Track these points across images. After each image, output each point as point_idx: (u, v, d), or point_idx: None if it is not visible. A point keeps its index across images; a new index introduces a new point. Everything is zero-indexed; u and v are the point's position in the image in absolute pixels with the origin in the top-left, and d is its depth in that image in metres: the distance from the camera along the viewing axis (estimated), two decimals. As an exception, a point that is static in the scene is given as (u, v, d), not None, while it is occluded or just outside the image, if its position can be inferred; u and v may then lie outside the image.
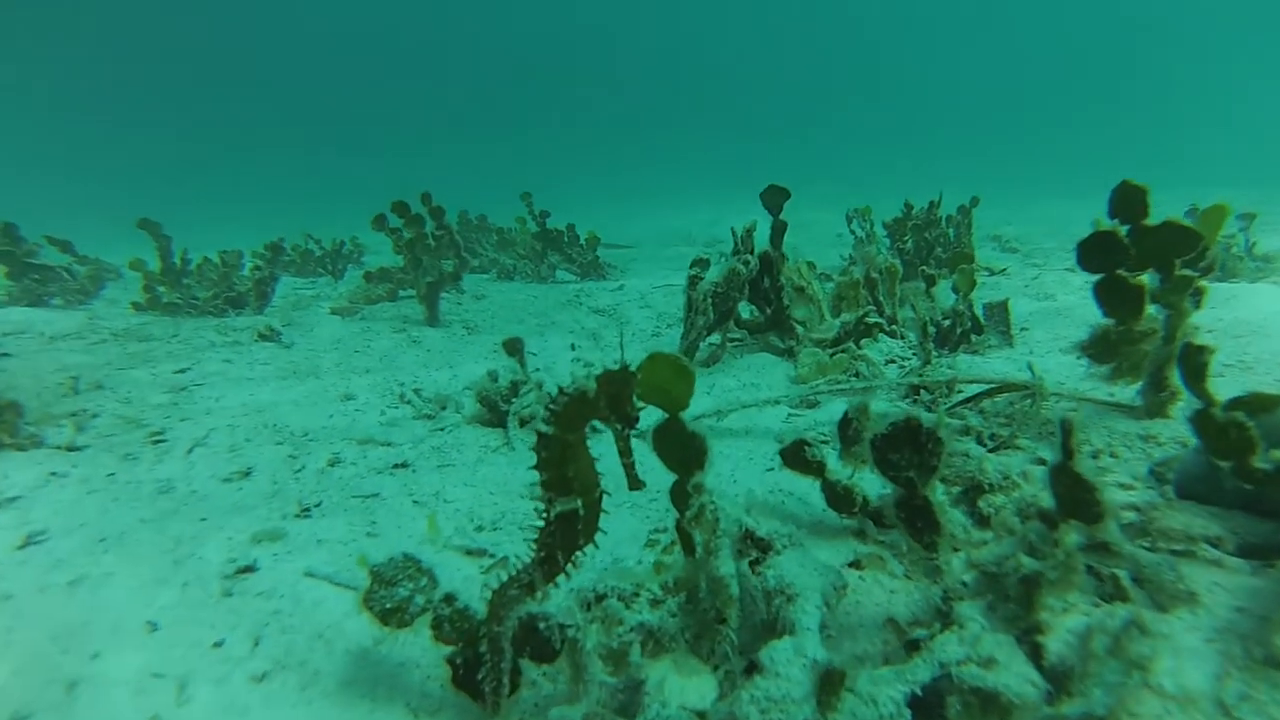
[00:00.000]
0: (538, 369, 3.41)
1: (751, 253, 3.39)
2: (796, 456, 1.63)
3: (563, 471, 1.09)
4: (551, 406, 1.06)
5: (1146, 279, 2.03)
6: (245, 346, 3.87)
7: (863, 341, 3.34)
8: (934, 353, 3.08)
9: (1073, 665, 1.12)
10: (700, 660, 1.26)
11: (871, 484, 1.57)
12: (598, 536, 1.14)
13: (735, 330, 3.60)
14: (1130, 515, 1.57)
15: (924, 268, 3.87)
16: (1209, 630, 1.22)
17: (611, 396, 1.09)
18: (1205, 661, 1.15)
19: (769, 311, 3.54)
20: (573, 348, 3.92)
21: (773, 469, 2.12)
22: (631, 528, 1.82)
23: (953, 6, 61.57)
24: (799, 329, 3.45)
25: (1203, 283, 2.17)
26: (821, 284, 3.71)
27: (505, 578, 1.16)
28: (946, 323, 3.31)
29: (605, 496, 1.16)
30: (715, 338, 3.45)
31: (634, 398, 1.10)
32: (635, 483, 1.19)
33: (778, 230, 3.54)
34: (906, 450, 1.20)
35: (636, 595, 1.32)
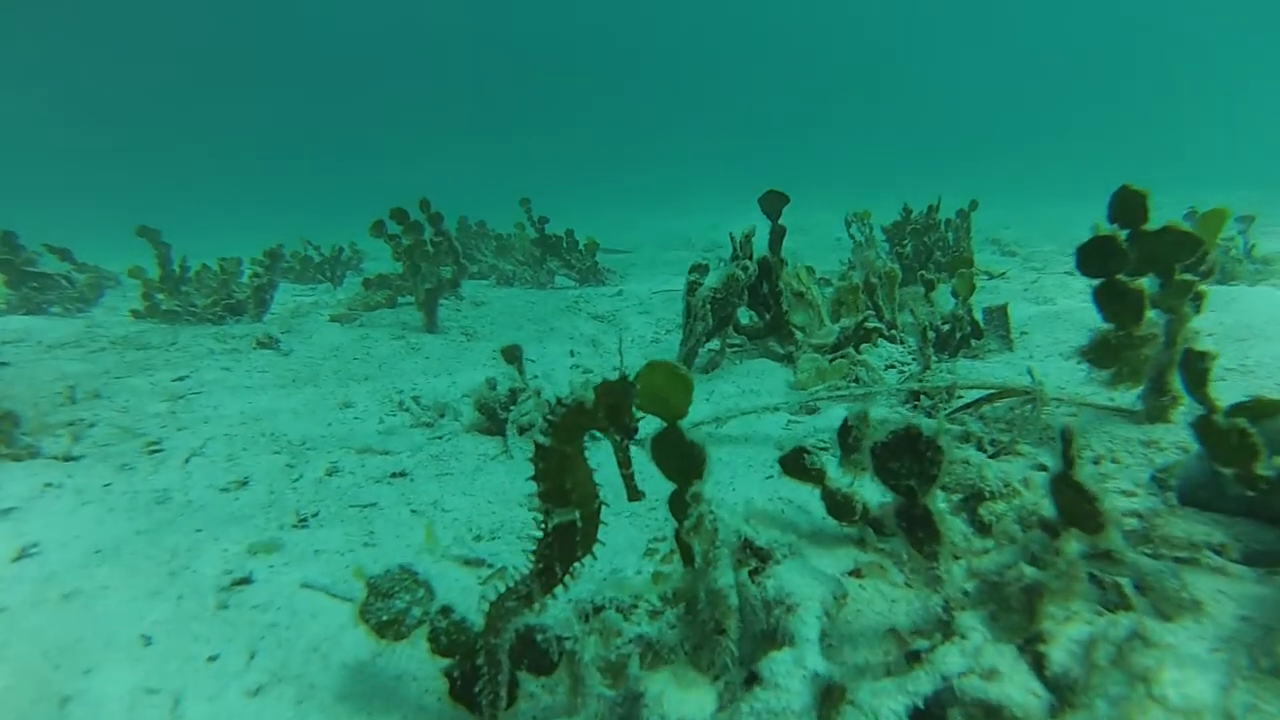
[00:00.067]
0: (536, 376, 3.40)
1: (750, 258, 3.38)
2: (796, 464, 1.61)
3: (560, 483, 1.08)
4: (549, 417, 1.05)
5: (1146, 283, 2.02)
6: (244, 354, 3.86)
7: (862, 347, 3.33)
8: (934, 358, 3.07)
9: (1076, 676, 1.10)
10: (699, 672, 1.25)
11: (872, 491, 1.56)
12: (596, 546, 1.13)
13: (734, 336, 3.60)
14: (1132, 522, 1.55)
15: (923, 272, 3.86)
16: (1214, 639, 1.21)
17: (610, 407, 1.08)
18: (1211, 672, 1.13)
19: (768, 317, 3.53)
20: (572, 354, 3.92)
21: (772, 476, 2.11)
22: (630, 536, 1.81)
23: (951, 9, 61.79)
24: (798, 334, 3.44)
25: (1203, 286, 2.16)
26: (821, 289, 3.71)
27: (503, 589, 1.15)
28: (946, 327, 3.30)
29: (604, 507, 1.15)
30: (714, 344, 3.44)
31: (633, 408, 1.10)
32: (634, 494, 1.18)
33: (776, 235, 3.53)
34: (906, 459, 1.19)
35: (635, 606, 1.31)
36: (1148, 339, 2.09)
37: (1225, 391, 2.23)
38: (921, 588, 1.42)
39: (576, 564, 1.14)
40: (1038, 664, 1.14)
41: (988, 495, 1.62)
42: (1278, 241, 5.81)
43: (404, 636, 1.23)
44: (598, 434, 1.60)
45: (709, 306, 3.24)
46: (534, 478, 1.07)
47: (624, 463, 1.15)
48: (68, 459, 2.34)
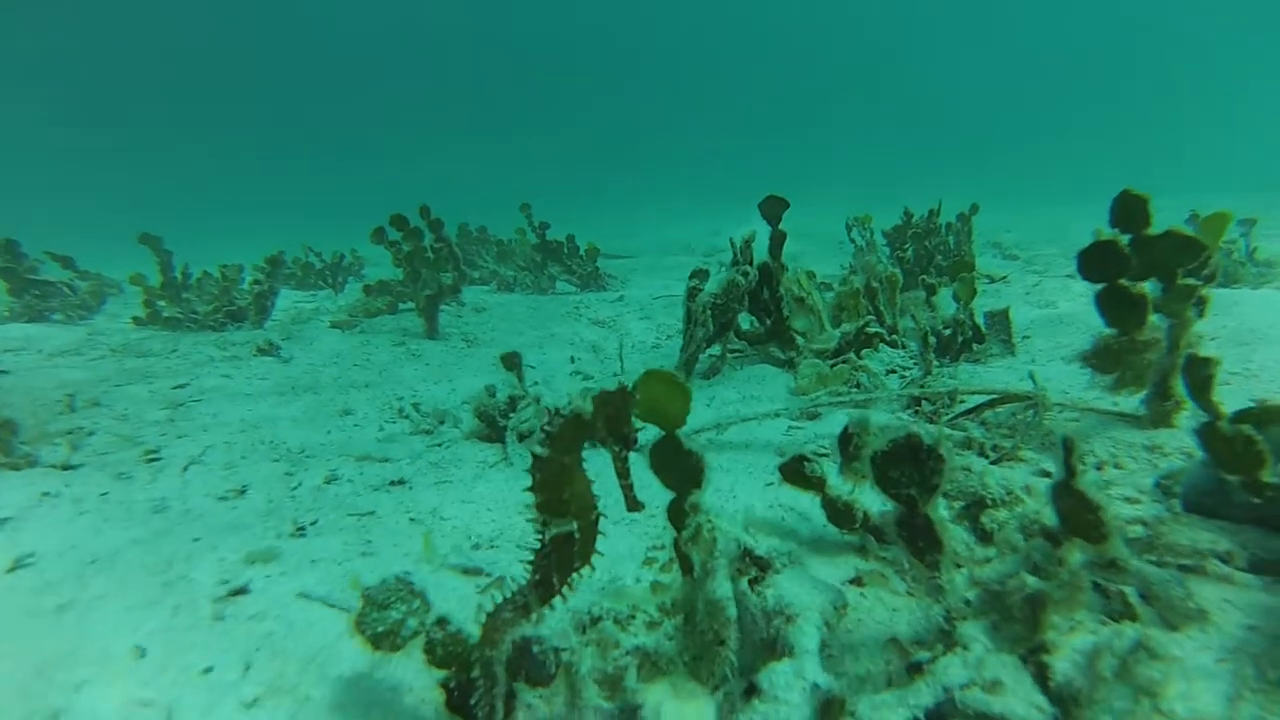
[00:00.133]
0: (536, 382, 3.40)
1: (750, 263, 3.37)
2: (796, 472, 1.60)
3: (558, 493, 1.07)
4: (546, 428, 1.04)
5: (1148, 288, 2.01)
6: (244, 361, 3.86)
7: (863, 352, 3.32)
8: (935, 362, 3.06)
9: (1080, 687, 1.09)
10: (698, 683, 1.23)
11: (873, 499, 1.55)
12: (594, 556, 1.12)
13: (735, 342, 3.59)
14: (1137, 529, 1.54)
15: (924, 276, 3.85)
16: (1220, 650, 1.19)
17: (608, 418, 1.07)
18: (1217, 683, 1.12)
19: (769, 322, 3.52)
20: (572, 360, 3.91)
21: (773, 483, 2.10)
22: (630, 544, 1.80)
23: (951, 10, 61.89)
24: (799, 340, 3.43)
25: (1206, 290, 2.14)
26: (822, 294, 3.70)
27: (500, 598, 1.14)
28: (948, 332, 3.29)
29: (602, 516, 1.14)
30: (715, 349, 3.43)
31: (632, 418, 1.09)
32: (633, 504, 1.17)
33: (777, 241, 3.52)
34: (907, 467, 1.17)
35: (633, 617, 1.29)
36: (1150, 344, 2.08)
37: (1229, 396, 2.21)
38: (923, 597, 1.40)
39: (574, 575, 1.13)
40: (1041, 675, 1.13)
41: (990, 503, 1.61)
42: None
43: (399, 648, 1.22)
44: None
45: (709, 312, 3.24)
46: (531, 488, 1.06)
47: (623, 473, 1.14)
48: (66, 468, 2.33)
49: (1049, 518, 1.21)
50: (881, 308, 3.68)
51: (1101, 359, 2.14)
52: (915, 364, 3.23)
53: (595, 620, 1.28)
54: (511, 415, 2.64)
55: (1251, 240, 5.02)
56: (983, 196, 6.00)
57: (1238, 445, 1.33)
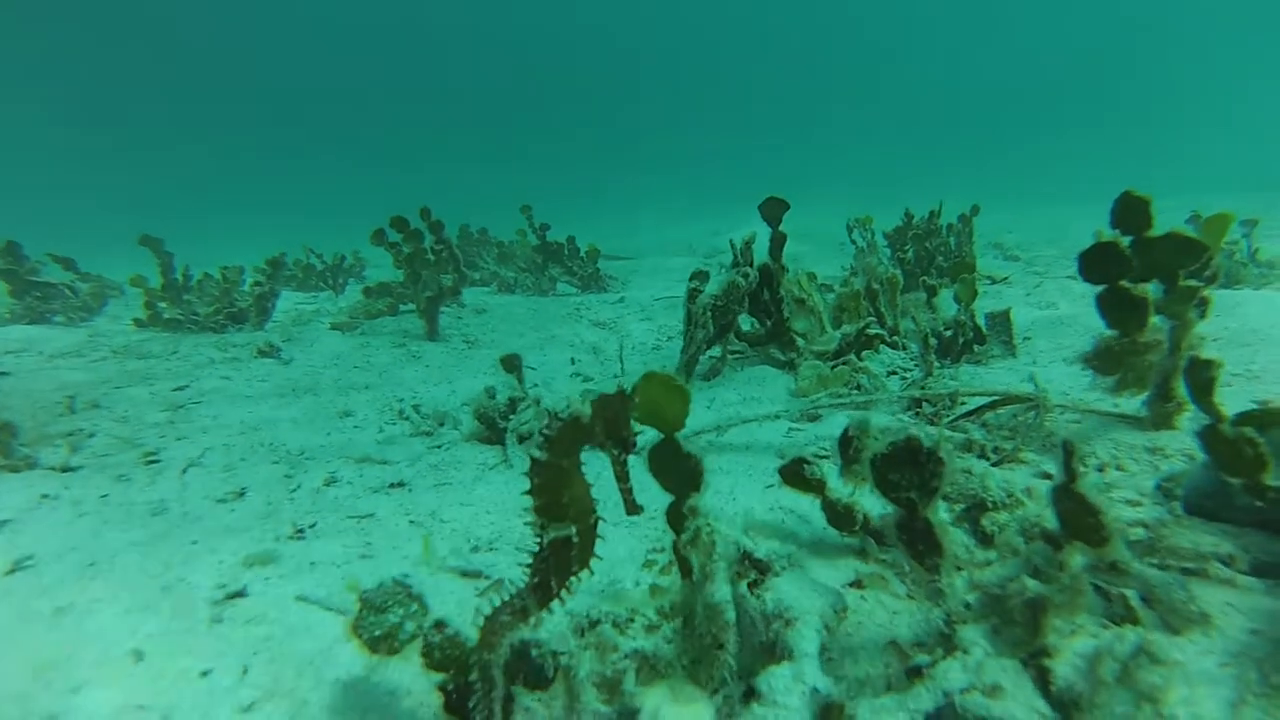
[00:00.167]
0: (536, 384, 3.39)
1: (751, 265, 3.37)
2: (796, 475, 1.60)
3: (556, 498, 1.07)
4: (545, 432, 1.04)
5: (1150, 289, 2.00)
6: (244, 363, 3.86)
7: (864, 353, 3.31)
8: (936, 364, 3.05)
9: (1081, 692, 1.08)
10: (697, 687, 1.23)
11: (873, 502, 1.54)
12: (594, 558, 1.12)
13: (736, 343, 3.58)
14: (1138, 532, 1.53)
15: (925, 278, 3.85)
16: (1223, 654, 1.18)
17: (607, 421, 1.06)
18: (1220, 688, 1.11)
19: (769, 324, 3.52)
20: (573, 361, 3.90)
21: (773, 485, 2.09)
22: (629, 546, 1.79)
23: (952, 10, 61.86)
24: (799, 341, 3.42)
25: (1207, 292, 2.14)
26: (822, 295, 3.69)
27: (499, 601, 1.14)
28: (948, 333, 3.28)
29: (602, 518, 1.13)
30: (716, 351, 3.43)
31: (631, 422, 1.08)
32: (632, 508, 1.16)
33: (777, 242, 3.52)
34: (906, 470, 1.17)
35: (631, 620, 1.29)
36: (1152, 345, 2.07)
37: (1231, 397, 2.21)
38: (923, 600, 1.40)
39: (573, 578, 1.12)
40: (1042, 679, 1.12)
41: (990, 505, 1.60)
42: (1283, 245, 5.77)
43: (397, 651, 1.21)
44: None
45: (710, 314, 3.23)
46: (530, 492, 1.06)
47: (622, 477, 1.14)
48: (66, 470, 2.33)
49: (1050, 521, 1.21)
50: (882, 309, 3.67)
51: (1103, 361, 2.14)
52: (916, 365, 3.23)
53: (594, 623, 1.27)
54: (511, 417, 2.63)
55: (1253, 241, 5.01)
56: (982, 196, 5.99)
57: (1240, 448, 1.32)
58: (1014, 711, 1.00)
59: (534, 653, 1.18)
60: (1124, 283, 1.98)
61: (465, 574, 1.73)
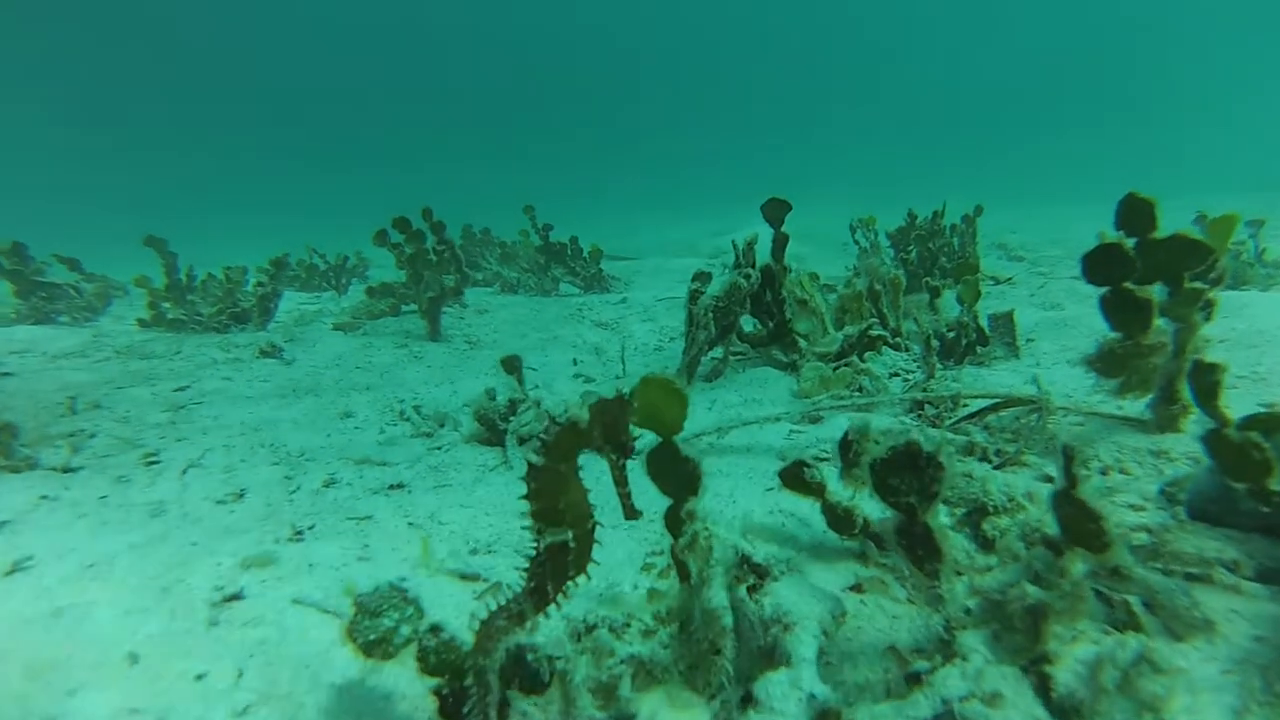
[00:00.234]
0: (537, 385, 3.39)
1: (753, 266, 3.36)
2: (796, 478, 1.59)
3: (553, 503, 1.06)
4: (542, 436, 1.03)
5: (1155, 291, 1.98)
6: (246, 363, 3.86)
7: (866, 355, 3.30)
8: (939, 365, 3.04)
9: (1082, 699, 1.07)
10: (694, 692, 1.22)
11: (873, 505, 1.53)
12: (592, 561, 1.11)
13: (738, 344, 3.57)
14: (1141, 537, 1.52)
15: (928, 279, 3.83)
16: (1226, 661, 1.17)
17: (606, 426, 1.05)
18: (1223, 695, 1.09)
19: (771, 325, 3.50)
20: (575, 362, 3.90)
21: (773, 488, 2.08)
22: (629, 549, 1.78)
23: (952, 10, 61.69)
24: (802, 343, 3.41)
25: (1213, 294, 2.12)
26: (825, 296, 3.67)
27: (496, 605, 1.13)
28: (951, 334, 3.27)
29: (602, 520, 1.12)
30: (718, 352, 3.42)
31: (630, 426, 1.07)
32: (631, 512, 1.15)
33: (779, 243, 3.51)
34: (906, 475, 1.16)
35: (628, 625, 1.28)
36: (1156, 347, 2.05)
37: (1237, 400, 2.18)
38: (923, 605, 1.39)
39: (569, 583, 1.11)
40: (1043, 686, 1.11)
41: (991, 509, 1.59)
42: (1289, 246, 5.73)
43: (392, 656, 1.21)
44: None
45: (711, 315, 3.22)
46: (527, 497, 1.05)
47: (620, 481, 1.13)
48: (66, 470, 2.34)
49: (1051, 525, 1.20)
50: (885, 310, 3.66)
51: (1106, 363, 2.12)
52: (918, 367, 3.21)
53: (590, 628, 1.27)
54: (511, 419, 2.63)
55: (1260, 241, 4.98)
56: (983, 196, 5.95)
57: (1245, 452, 1.30)
58: (1013, 720, 0.98)
59: (530, 657, 1.17)
60: (1128, 284, 1.96)
61: (464, 577, 1.72)
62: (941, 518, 1.34)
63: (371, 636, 1.18)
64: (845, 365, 3.07)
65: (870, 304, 3.60)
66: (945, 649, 1.19)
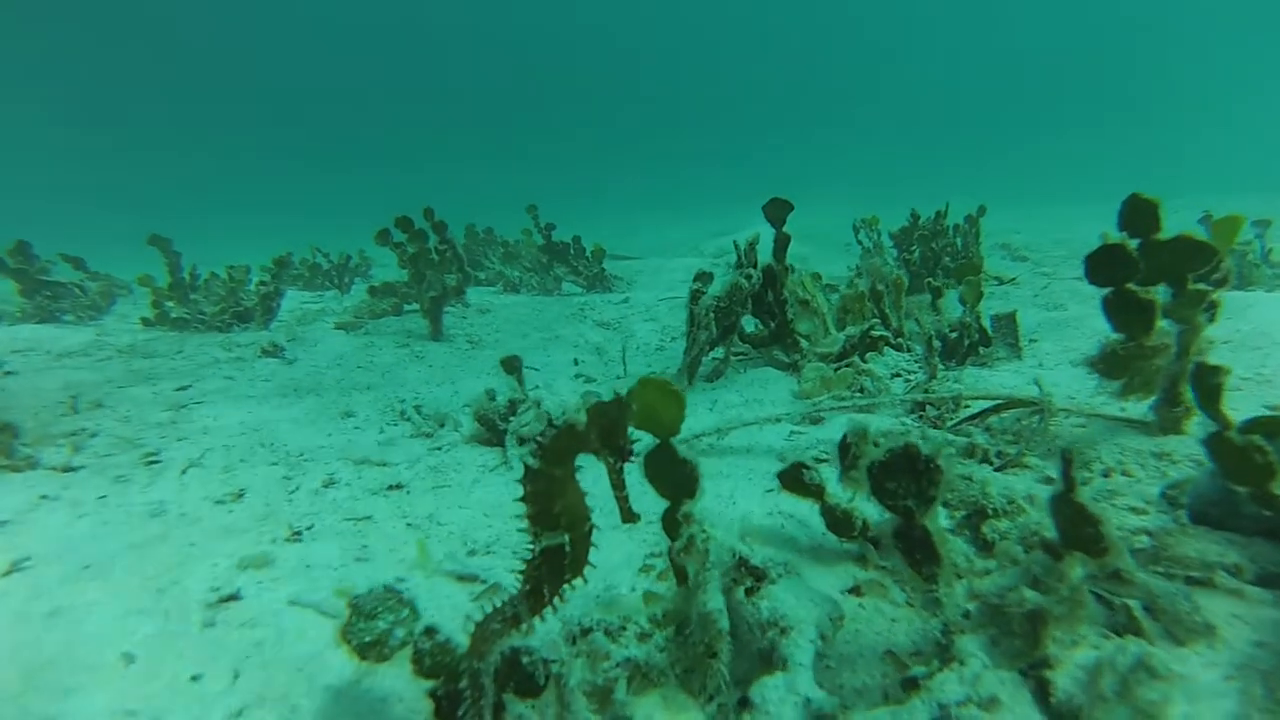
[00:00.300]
0: (537, 385, 3.38)
1: (755, 266, 3.35)
2: (795, 479, 1.58)
3: (549, 506, 1.05)
4: (539, 440, 1.02)
5: (1158, 292, 1.97)
6: (248, 363, 3.86)
7: (868, 355, 3.29)
8: (941, 366, 3.02)
9: (1080, 705, 1.06)
10: (690, 696, 1.21)
11: (872, 507, 1.52)
12: (589, 562, 1.10)
13: (739, 344, 3.56)
14: (1143, 540, 1.50)
15: (930, 280, 3.81)
16: (1228, 666, 1.16)
17: (604, 429, 1.05)
18: (1224, 701, 1.08)
19: (773, 325, 3.49)
20: (576, 362, 3.89)
21: (773, 489, 2.07)
22: (627, 551, 1.78)
23: (952, 12, 61.48)
24: (803, 343, 3.40)
25: (1217, 295, 2.10)
26: (827, 296, 3.66)
27: (492, 608, 1.12)
28: (953, 335, 3.25)
29: (595, 530, 1.12)
30: (719, 352, 3.41)
31: (628, 429, 1.06)
32: (628, 515, 1.15)
33: (781, 243, 3.50)
34: (904, 478, 1.15)
35: (624, 629, 1.27)
36: (1159, 349, 2.04)
37: (1242, 401, 2.17)
38: (922, 608, 1.38)
39: (565, 586, 1.11)
40: (1042, 691, 1.10)
41: (991, 512, 1.58)
42: (1295, 246, 5.69)
43: (387, 658, 1.21)
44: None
45: (713, 315, 3.21)
46: (523, 499, 1.04)
47: (618, 484, 1.12)
48: (66, 470, 2.34)
49: (1050, 528, 1.19)
50: (887, 310, 3.64)
51: (1108, 364, 2.10)
52: (920, 368, 3.20)
53: (586, 631, 1.26)
54: (511, 419, 2.62)
55: (1267, 242, 4.94)
56: (984, 196, 5.92)
57: (1248, 455, 1.29)
58: (1011, 726, 0.98)
59: (525, 660, 1.16)
60: (1131, 286, 1.95)
61: (461, 578, 1.72)
62: (941, 520, 1.33)
63: (366, 638, 1.18)
64: (847, 366, 3.06)
65: (872, 304, 3.59)
66: (943, 653, 1.18)
